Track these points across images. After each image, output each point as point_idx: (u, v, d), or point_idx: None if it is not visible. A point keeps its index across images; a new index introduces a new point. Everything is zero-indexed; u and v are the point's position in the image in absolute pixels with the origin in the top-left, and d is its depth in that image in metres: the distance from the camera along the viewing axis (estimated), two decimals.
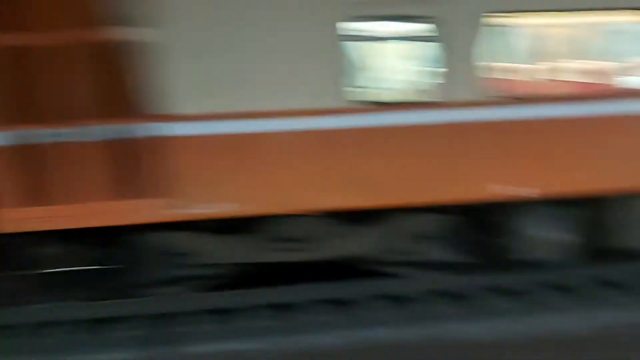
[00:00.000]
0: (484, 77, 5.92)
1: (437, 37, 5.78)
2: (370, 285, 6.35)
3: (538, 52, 7.35)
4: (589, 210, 6.41)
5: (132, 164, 5.42)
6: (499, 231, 6.45)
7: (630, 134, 6.15)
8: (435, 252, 6.42)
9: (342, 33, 5.69)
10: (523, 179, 5.93)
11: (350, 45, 5.77)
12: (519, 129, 5.96)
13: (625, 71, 6.97)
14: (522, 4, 6.04)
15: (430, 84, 5.87)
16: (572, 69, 6.94)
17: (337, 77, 5.71)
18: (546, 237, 6.23)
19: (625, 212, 6.35)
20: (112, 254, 5.94)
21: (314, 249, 6.17)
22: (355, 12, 5.68)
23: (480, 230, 6.54)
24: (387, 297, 6.28)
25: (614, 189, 6.15)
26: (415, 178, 5.83)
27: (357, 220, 6.19)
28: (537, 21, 6.92)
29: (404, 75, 6.48)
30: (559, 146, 6.00)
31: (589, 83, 6.72)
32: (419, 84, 6.05)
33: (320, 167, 5.71)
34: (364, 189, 5.77)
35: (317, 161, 5.71)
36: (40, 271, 6.04)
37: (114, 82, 5.39)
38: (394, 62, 6.54)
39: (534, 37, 7.44)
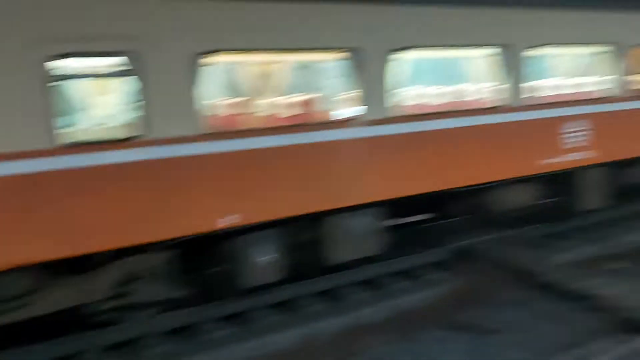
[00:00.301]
0: (199, 112, 5.99)
1: (143, 74, 5.66)
2: (90, 336, 6.02)
3: (249, 88, 7.78)
4: (300, 231, 6.97)
5: None
6: (217, 261, 6.65)
7: (337, 159, 6.81)
8: (154, 291, 6.33)
9: (46, 71, 5.19)
10: (235, 209, 6.15)
11: (56, 84, 5.29)
12: (232, 162, 6.19)
13: (332, 103, 7.81)
14: (234, 42, 6.22)
15: (139, 120, 5.72)
16: (282, 103, 7.52)
17: (40, 117, 5.18)
18: (261, 260, 6.61)
19: (336, 228, 7.01)
20: None
21: (24, 307, 5.56)
22: (57, 50, 5.22)
23: (197, 262, 6.66)
24: (110, 346, 6.03)
25: (327, 209, 6.77)
26: (130, 218, 5.64)
27: (72, 269, 5.75)
28: (252, 59, 7.32)
29: (113, 113, 6.24)
30: (269, 174, 6.37)
31: (296, 115, 7.36)
32: (128, 121, 5.88)
33: (20, 216, 5.13)
34: (77, 235, 5.38)
35: (15, 210, 5.11)
36: None
37: None
38: (102, 99, 6.25)
39: (246, 74, 7.87)
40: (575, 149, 8.59)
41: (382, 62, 7.00)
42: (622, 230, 9.35)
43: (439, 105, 8.61)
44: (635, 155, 9.39)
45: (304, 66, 8.15)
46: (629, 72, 9.22)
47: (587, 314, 6.72)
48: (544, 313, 6.89)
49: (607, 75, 9.11)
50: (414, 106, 8.54)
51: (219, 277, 6.66)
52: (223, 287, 6.66)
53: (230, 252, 6.52)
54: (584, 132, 8.64)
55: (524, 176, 8.36)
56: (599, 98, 9.14)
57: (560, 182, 8.89)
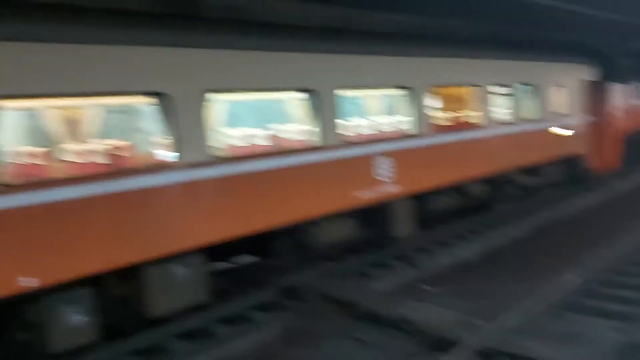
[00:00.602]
0: None
1: None
2: None
3: (57, 134, 7.20)
4: (117, 285, 6.51)
5: None
6: (20, 326, 5.96)
7: (153, 206, 6.48)
8: None
9: None
10: (37, 268, 5.55)
11: None
12: (31, 216, 5.62)
13: (145, 148, 7.44)
14: (23, 87, 5.66)
15: None
16: (93, 150, 7.06)
17: None
18: (71, 322, 6.03)
19: (150, 280, 6.58)
20: None
21: None
22: None
23: None
24: None
25: (144, 259, 6.39)
26: None
27: None
28: (55, 104, 6.78)
29: None
30: (76, 228, 5.86)
31: (104, 163, 6.95)
32: None
33: None
34: None
35: None
36: None
37: None
38: None
39: (54, 119, 7.30)
40: (385, 183, 9.24)
41: (196, 105, 6.92)
42: (429, 256, 10.11)
43: (259, 146, 8.75)
44: (436, 186, 10.35)
45: (113, 111, 7.80)
46: (429, 110, 10.19)
47: (404, 338, 7.10)
48: (368, 342, 7.17)
49: (409, 114, 9.97)
50: (234, 148, 8.58)
51: (24, 344, 5.94)
52: (29, 355, 5.95)
53: (36, 316, 5.87)
54: (392, 167, 9.35)
55: (343, 210, 8.77)
56: (402, 135, 9.98)
57: (376, 214, 9.48)
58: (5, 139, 6.15)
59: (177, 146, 6.74)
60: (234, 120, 9.04)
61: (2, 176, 5.50)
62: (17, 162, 6.62)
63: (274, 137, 9.14)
